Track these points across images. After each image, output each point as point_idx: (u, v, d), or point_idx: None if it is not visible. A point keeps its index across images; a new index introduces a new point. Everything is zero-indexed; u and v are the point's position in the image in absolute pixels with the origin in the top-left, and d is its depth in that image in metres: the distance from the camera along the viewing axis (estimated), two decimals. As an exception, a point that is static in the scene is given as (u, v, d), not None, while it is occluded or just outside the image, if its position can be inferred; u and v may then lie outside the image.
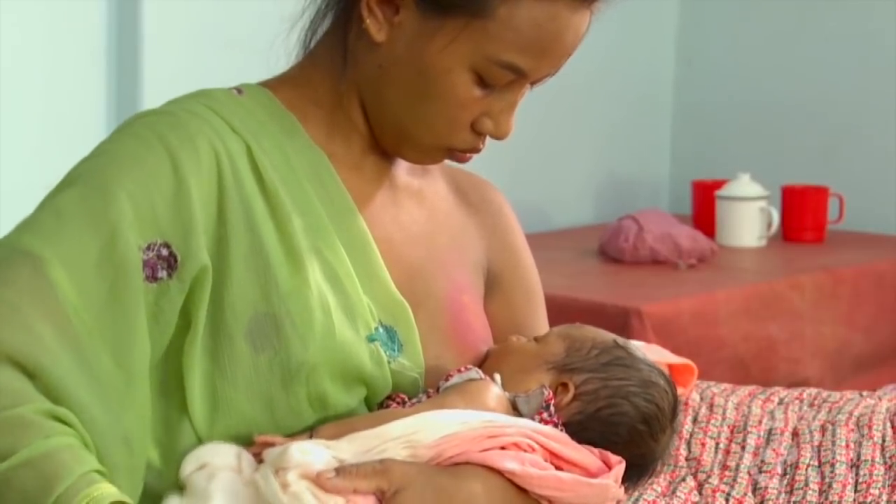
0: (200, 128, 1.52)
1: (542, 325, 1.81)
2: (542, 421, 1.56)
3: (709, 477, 2.19)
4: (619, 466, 1.57)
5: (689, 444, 2.27)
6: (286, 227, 1.53)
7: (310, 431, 1.52)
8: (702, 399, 2.43)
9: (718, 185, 3.80)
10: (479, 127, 1.54)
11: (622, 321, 2.95)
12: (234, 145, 1.53)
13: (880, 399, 2.44)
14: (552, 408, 1.57)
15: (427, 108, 1.53)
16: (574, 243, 3.68)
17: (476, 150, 1.57)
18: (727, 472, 2.21)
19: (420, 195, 1.67)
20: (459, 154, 1.58)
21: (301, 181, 1.56)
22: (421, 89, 1.52)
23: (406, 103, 1.54)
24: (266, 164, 1.54)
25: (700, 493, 2.15)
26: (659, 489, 2.13)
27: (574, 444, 1.56)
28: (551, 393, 1.58)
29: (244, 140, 1.54)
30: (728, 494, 2.16)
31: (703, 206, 3.83)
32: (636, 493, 2.08)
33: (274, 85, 1.62)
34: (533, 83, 1.54)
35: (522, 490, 1.49)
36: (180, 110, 1.54)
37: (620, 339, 1.68)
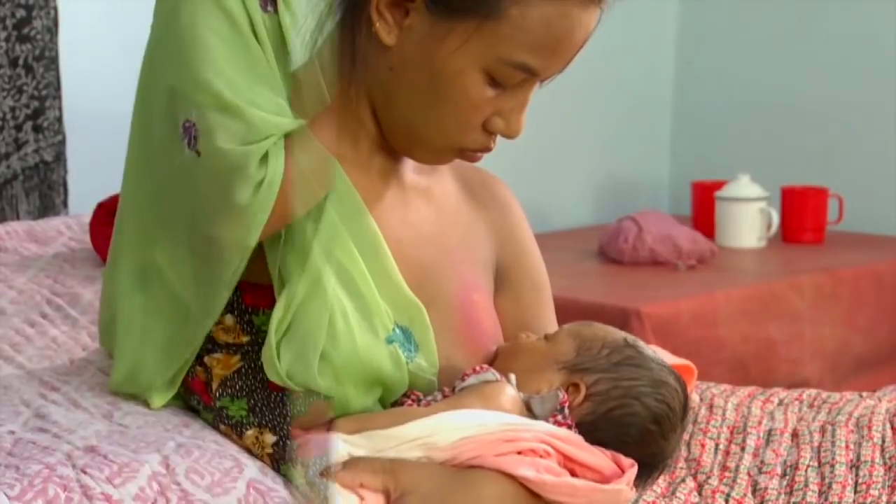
0: None
1: (550, 319, 1.84)
2: (556, 423, 1.57)
3: (708, 478, 2.19)
4: (632, 470, 1.57)
5: (688, 445, 2.27)
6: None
7: (327, 424, 1.58)
8: (701, 400, 2.43)
9: (718, 185, 3.83)
10: (491, 126, 1.57)
11: (621, 322, 2.96)
12: None
13: (880, 400, 2.45)
14: (567, 410, 1.58)
15: (439, 110, 1.56)
16: (573, 244, 3.71)
17: (487, 150, 1.60)
18: (727, 473, 2.20)
19: (428, 193, 1.71)
20: (470, 154, 1.60)
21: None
22: (432, 91, 1.54)
23: (417, 105, 1.57)
24: None
25: (700, 494, 2.15)
26: (658, 490, 2.12)
27: (588, 446, 1.57)
28: (566, 395, 1.59)
29: None
30: (728, 495, 2.15)
31: (703, 207, 3.87)
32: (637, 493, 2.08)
33: None
34: (542, 81, 1.56)
35: (535, 495, 1.50)
36: None
37: (630, 338, 1.69)
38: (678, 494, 2.13)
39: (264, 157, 1.56)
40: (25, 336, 2.23)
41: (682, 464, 2.22)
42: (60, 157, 3.64)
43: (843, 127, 4.07)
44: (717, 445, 2.29)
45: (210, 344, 1.76)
